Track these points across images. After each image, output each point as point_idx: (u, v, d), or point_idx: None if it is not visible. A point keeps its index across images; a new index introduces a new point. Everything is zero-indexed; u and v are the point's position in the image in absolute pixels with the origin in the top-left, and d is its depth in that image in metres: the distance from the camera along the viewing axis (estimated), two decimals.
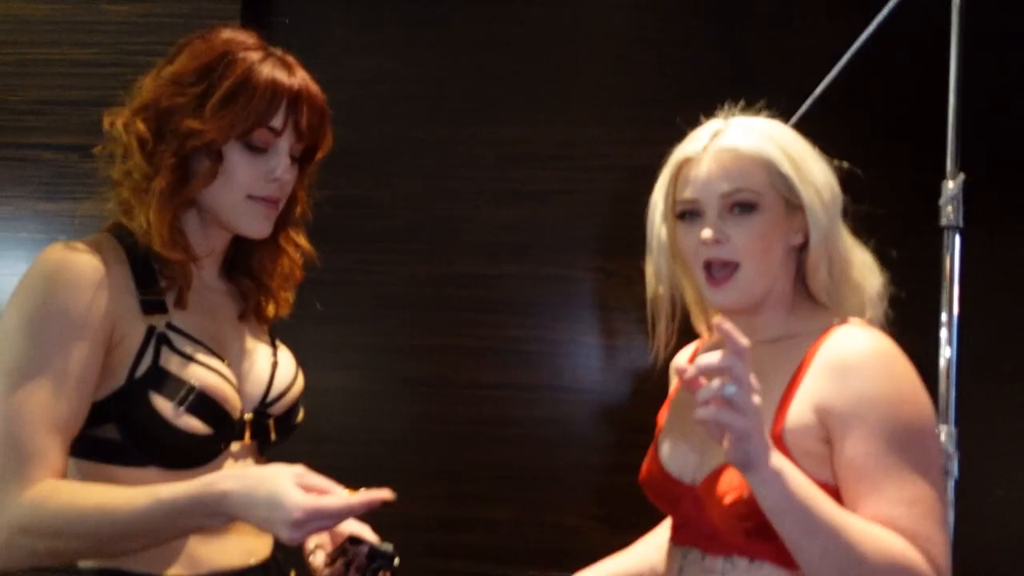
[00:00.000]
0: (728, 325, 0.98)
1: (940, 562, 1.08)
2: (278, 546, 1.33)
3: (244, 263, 1.33)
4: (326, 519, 1.03)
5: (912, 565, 1.06)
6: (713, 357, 0.98)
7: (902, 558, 1.06)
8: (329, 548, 1.31)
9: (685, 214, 1.24)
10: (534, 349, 2.15)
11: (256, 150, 1.20)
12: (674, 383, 1.45)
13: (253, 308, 1.33)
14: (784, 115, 1.31)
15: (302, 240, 1.36)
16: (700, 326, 1.39)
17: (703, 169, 1.22)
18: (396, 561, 1.25)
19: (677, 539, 1.28)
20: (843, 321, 1.21)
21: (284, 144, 1.21)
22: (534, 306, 2.16)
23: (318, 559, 1.28)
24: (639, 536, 1.49)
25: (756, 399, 0.99)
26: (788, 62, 2.08)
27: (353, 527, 1.32)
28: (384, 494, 1.04)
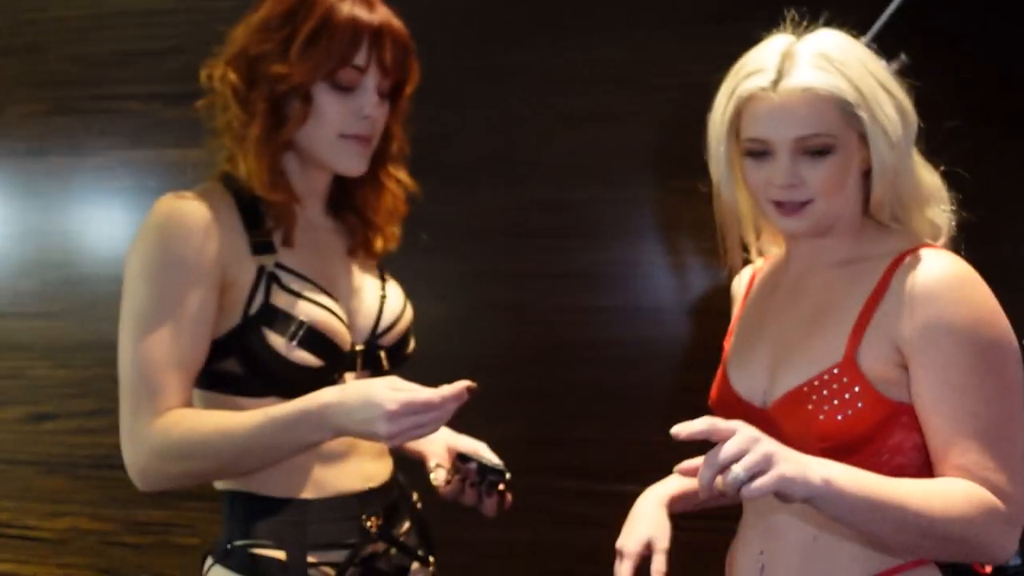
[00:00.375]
0: (694, 427, 1.01)
1: (1012, 487, 1.08)
2: (400, 470, 1.40)
3: (349, 200, 1.37)
4: (419, 413, 1.08)
5: (979, 501, 1.06)
6: (703, 473, 0.99)
7: (969, 500, 1.06)
8: (448, 466, 1.37)
9: (753, 152, 1.20)
10: (611, 271, 2.16)
11: (343, 89, 1.23)
12: (736, 305, 1.44)
13: (361, 243, 1.38)
14: (857, 28, 1.26)
15: (403, 175, 1.39)
16: (753, 249, 1.39)
17: (774, 110, 1.16)
18: (507, 476, 1.31)
19: None
20: (917, 246, 1.18)
21: (370, 81, 1.24)
22: (609, 229, 2.15)
23: (439, 477, 1.34)
24: None
25: (758, 446, 0.98)
26: None
27: (468, 446, 1.39)
28: (466, 383, 1.10)
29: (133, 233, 2.27)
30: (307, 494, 1.25)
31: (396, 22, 1.26)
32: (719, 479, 0.98)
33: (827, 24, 1.22)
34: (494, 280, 2.20)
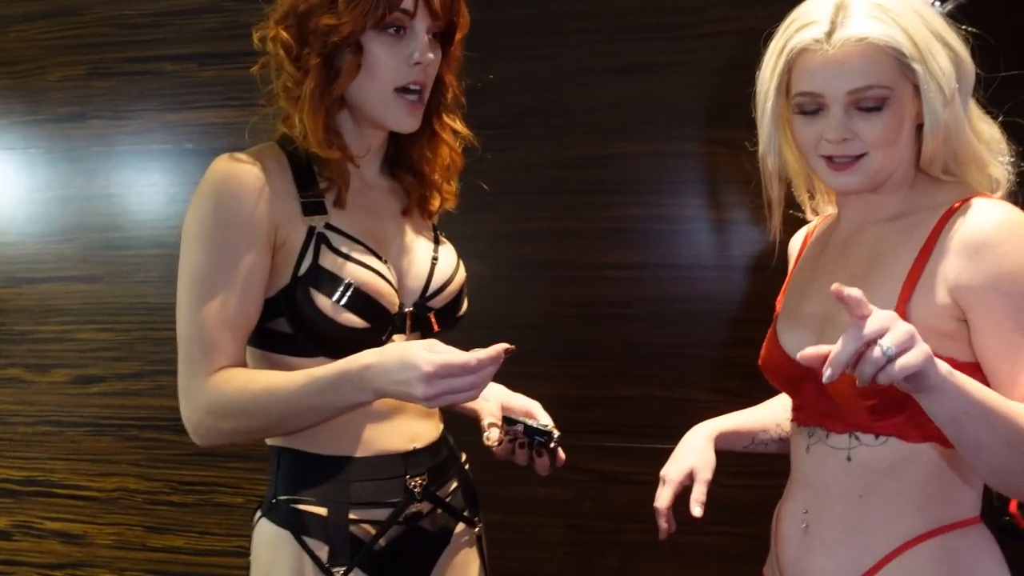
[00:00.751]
0: (850, 293, 0.92)
1: None
2: (452, 430, 1.41)
3: (405, 157, 1.37)
4: (456, 374, 1.07)
5: None
6: (843, 350, 0.92)
7: None
8: (500, 425, 1.36)
9: (805, 107, 1.17)
10: (653, 228, 2.12)
11: (394, 36, 1.22)
12: (791, 264, 1.41)
13: (416, 202, 1.38)
14: None
15: (459, 124, 1.38)
16: (808, 208, 1.36)
17: (828, 62, 1.13)
18: (556, 435, 1.31)
19: (800, 419, 1.28)
20: (969, 196, 1.15)
21: (420, 25, 1.22)
22: (651, 183, 2.11)
23: (492, 436, 1.32)
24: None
25: (899, 323, 0.93)
26: None
27: (521, 404, 1.39)
28: (504, 345, 1.09)
29: (172, 196, 2.33)
30: (352, 452, 1.26)
31: None
32: (861, 361, 0.92)
33: None
34: (532, 237, 2.18)
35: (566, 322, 2.17)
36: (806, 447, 1.25)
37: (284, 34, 1.23)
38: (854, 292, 0.93)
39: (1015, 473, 1.04)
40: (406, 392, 1.09)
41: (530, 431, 1.30)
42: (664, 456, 1.39)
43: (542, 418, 1.36)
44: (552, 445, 1.31)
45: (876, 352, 0.91)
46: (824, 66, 1.13)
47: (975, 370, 1.11)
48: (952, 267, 1.11)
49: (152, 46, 2.34)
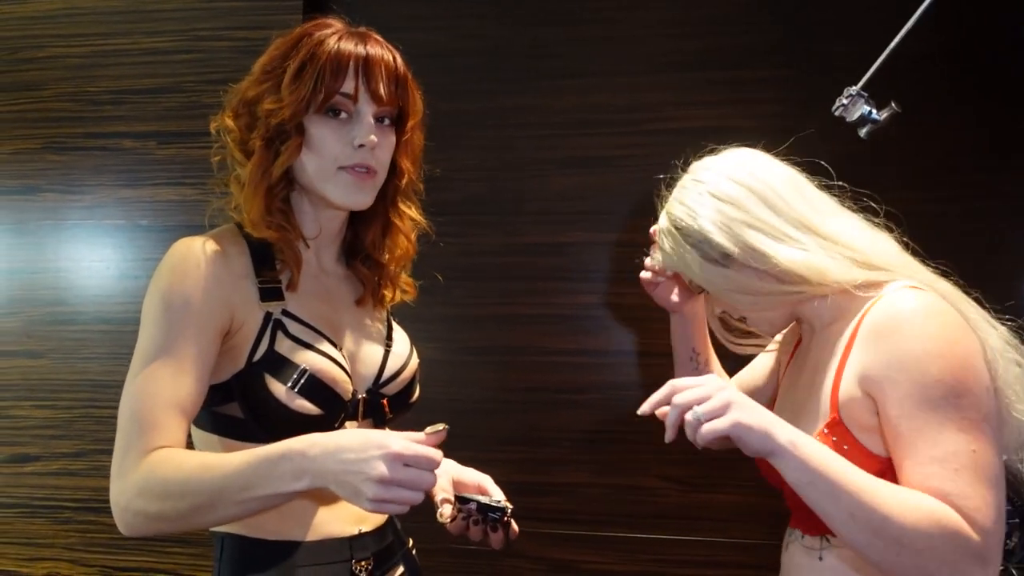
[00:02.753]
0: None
1: (978, 517, 1.02)
2: (396, 517, 1.38)
3: (360, 245, 1.37)
4: (423, 466, 1.03)
5: (944, 521, 1.01)
6: (669, 414, 1.09)
7: (932, 514, 1.02)
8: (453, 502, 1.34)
9: None
10: (603, 315, 2.16)
11: (337, 119, 1.23)
12: (783, 362, 1.46)
13: (370, 293, 1.38)
14: (852, 78, 1.28)
15: (413, 212, 1.38)
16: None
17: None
18: (508, 510, 1.30)
19: (790, 519, 1.33)
20: (884, 283, 1.20)
21: (365, 108, 1.24)
22: (602, 272, 2.16)
23: (445, 512, 1.30)
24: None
25: (720, 394, 1.06)
26: (851, 26, 2.03)
27: (472, 479, 1.38)
28: (439, 426, 1.08)
29: (123, 272, 2.31)
30: (297, 536, 1.23)
31: (388, 54, 1.27)
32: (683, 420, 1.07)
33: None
34: (481, 322, 2.20)
35: (516, 407, 2.17)
36: (786, 544, 1.31)
37: (232, 123, 1.26)
38: (666, 390, 1.11)
39: (869, 551, 1.03)
40: (357, 476, 1.02)
41: (483, 508, 1.29)
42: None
43: (495, 493, 1.35)
44: (506, 519, 1.30)
45: (689, 416, 1.06)
46: None
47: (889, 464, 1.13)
48: (859, 359, 1.15)
49: (111, 123, 2.35)
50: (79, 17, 2.38)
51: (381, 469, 1.01)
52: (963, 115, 1.86)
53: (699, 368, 1.54)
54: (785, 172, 1.27)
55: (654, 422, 1.11)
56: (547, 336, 2.18)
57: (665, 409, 1.10)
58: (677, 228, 1.26)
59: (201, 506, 1.09)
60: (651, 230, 1.40)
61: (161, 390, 1.14)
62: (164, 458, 1.11)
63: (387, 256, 1.38)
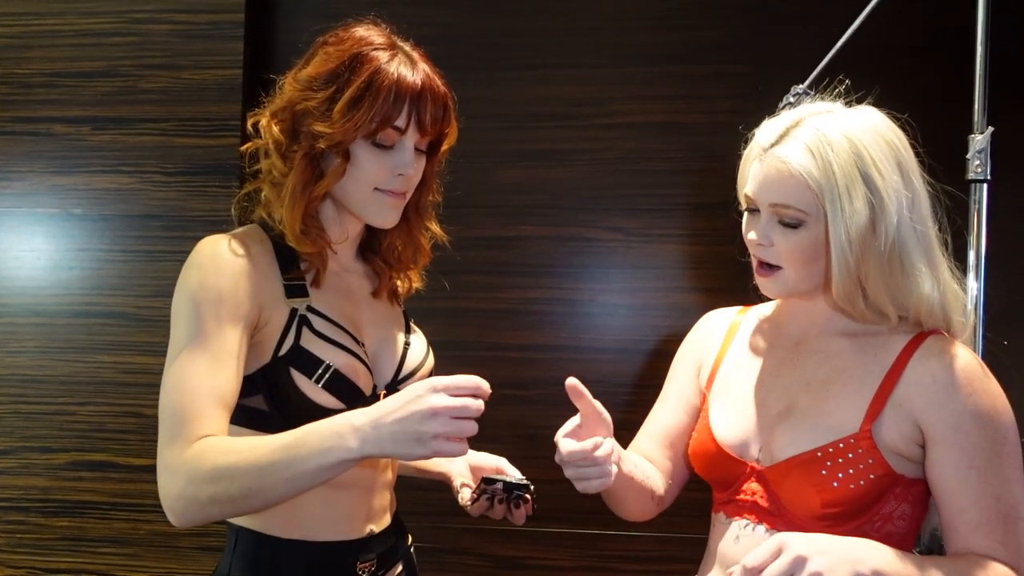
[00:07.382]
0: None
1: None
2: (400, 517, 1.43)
3: (377, 245, 1.43)
4: (468, 394, 1.06)
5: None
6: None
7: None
8: (473, 486, 1.40)
9: (748, 204, 1.27)
10: (551, 310, 2.15)
11: (382, 148, 1.26)
12: (711, 352, 1.42)
13: (385, 285, 1.43)
14: (807, 75, 1.28)
15: (433, 225, 1.44)
16: None
17: (758, 173, 1.23)
18: (532, 487, 1.35)
19: (729, 511, 1.30)
20: (926, 332, 1.23)
21: (409, 141, 1.27)
22: (552, 267, 2.15)
23: (465, 496, 1.38)
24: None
25: (817, 559, 1.03)
26: (809, 16, 2.05)
27: (489, 463, 1.46)
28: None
29: (56, 262, 2.23)
30: (310, 536, 1.27)
31: (437, 81, 1.30)
32: None
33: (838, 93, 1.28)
34: (429, 316, 2.16)
35: None
36: (735, 537, 1.27)
37: (275, 128, 1.28)
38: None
39: None
40: (411, 420, 1.05)
41: (509, 487, 1.34)
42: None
43: (513, 472, 1.42)
44: (529, 496, 1.34)
45: None
46: (755, 174, 1.23)
47: (918, 484, 1.21)
48: (920, 399, 1.19)
49: (43, 106, 2.26)
50: None
51: (431, 402, 1.05)
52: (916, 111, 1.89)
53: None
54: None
55: None
56: (493, 331, 2.17)
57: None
58: (868, 175, 1.17)
59: (251, 487, 1.10)
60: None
61: (200, 383, 1.16)
62: (211, 444, 1.13)
63: (402, 261, 1.44)
